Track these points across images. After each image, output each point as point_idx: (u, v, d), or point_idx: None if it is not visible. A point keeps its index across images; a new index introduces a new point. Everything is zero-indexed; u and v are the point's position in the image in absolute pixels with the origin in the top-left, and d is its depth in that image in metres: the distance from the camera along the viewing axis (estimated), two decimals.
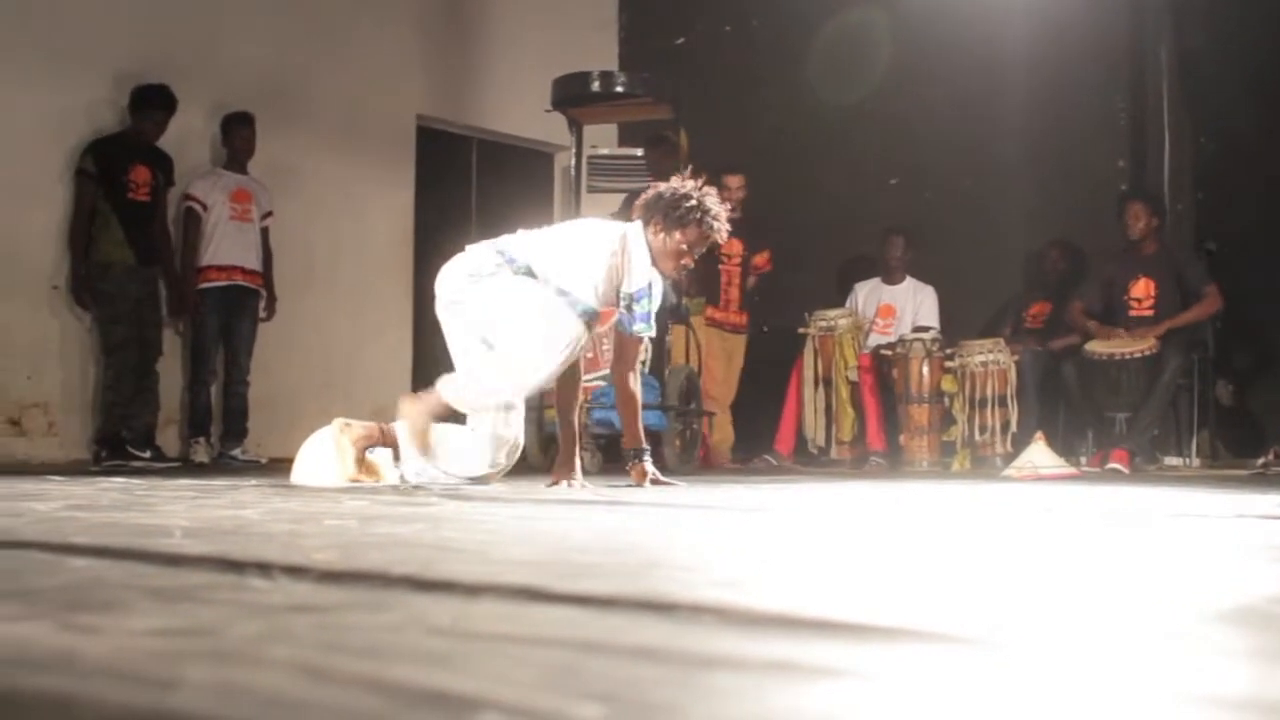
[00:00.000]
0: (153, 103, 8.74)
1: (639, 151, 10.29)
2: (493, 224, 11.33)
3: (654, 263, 5.35)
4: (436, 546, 2.33)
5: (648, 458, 5.60)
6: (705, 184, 5.42)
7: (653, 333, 5.59)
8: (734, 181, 9.67)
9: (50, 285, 8.73)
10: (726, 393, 9.82)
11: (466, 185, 11.40)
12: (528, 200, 11.77)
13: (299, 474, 5.31)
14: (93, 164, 8.64)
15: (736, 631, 1.33)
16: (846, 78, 10.46)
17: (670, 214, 5.30)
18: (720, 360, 9.71)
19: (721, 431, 9.75)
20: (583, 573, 1.88)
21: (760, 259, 9.91)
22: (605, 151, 10.71)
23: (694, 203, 5.29)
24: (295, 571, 1.81)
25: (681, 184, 5.38)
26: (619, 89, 8.73)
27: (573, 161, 9.14)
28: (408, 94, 10.74)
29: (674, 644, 1.25)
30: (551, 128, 9.84)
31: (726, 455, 9.73)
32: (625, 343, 5.54)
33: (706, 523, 3.25)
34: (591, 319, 5.28)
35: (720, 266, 9.72)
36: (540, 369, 5.05)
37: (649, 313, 5.35)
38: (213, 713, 0.93)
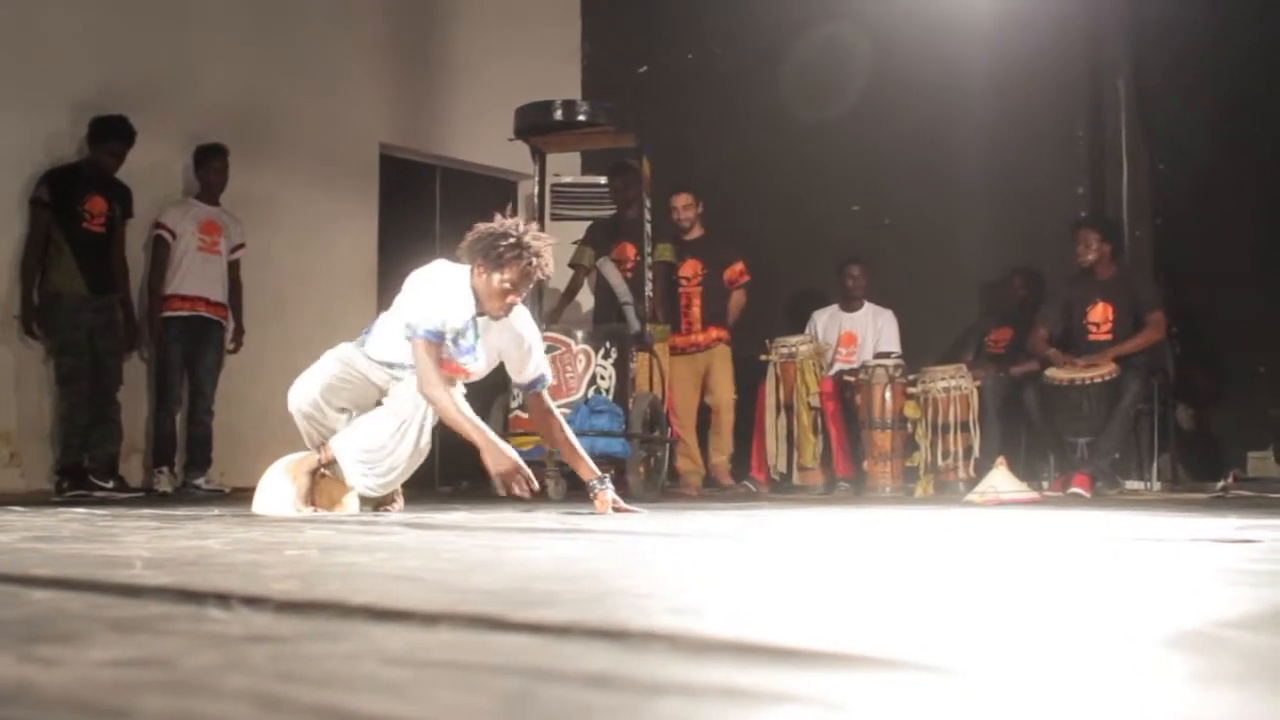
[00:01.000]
0: (111, 134, 8.71)
1: (602, 180, 10.33)
2: (456, 251, 11.39)
3: (480, 304, 5.39)
4: (397, 576, 2.34)
5: (608, 484, 5.61)
6: (528, 222, 5.44)
7: (479, 370, 5.58)
8: (680, 201, 9.75)
9: (9, 314, 8.68)
10: (690, 418, 9.78)
11: (430, 213, 11.40)
12: None
13: (259, 504, 5.36)
14: (47, 193, 8.60)
15: (688, 658, 1.35)
16: (808, 104, 10.52)
17: (489, 254, 5.26)
18: (686, 386, 9.69)
19: (690, 460, 9.72)
20: (540, 601, 1.90)
21: (733, 272, 9.85)
22: (569, 180, 10.75)
23: (512, 240, 5.25)
24: (254, 602, 1.83)
25: (501, 223, 5.34)
26: (581, 117, 8.76)
27: (536, 190, 9.16)
28: (371, 123, 10.75)
29: (625, 671, 1.26)
30: (515, 156, 9.85)
31: (696, 484, 9.67)
32: (528, 400, 5.73)
33: (668, 550, 3.27)
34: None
35: (679, 290, 9.74)
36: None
37: (470, 346, 5.43)
38: None
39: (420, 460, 5.53)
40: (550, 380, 5.72)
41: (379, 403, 5.57)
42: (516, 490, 5.29)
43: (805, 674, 1.28)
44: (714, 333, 9.79)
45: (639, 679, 1.22)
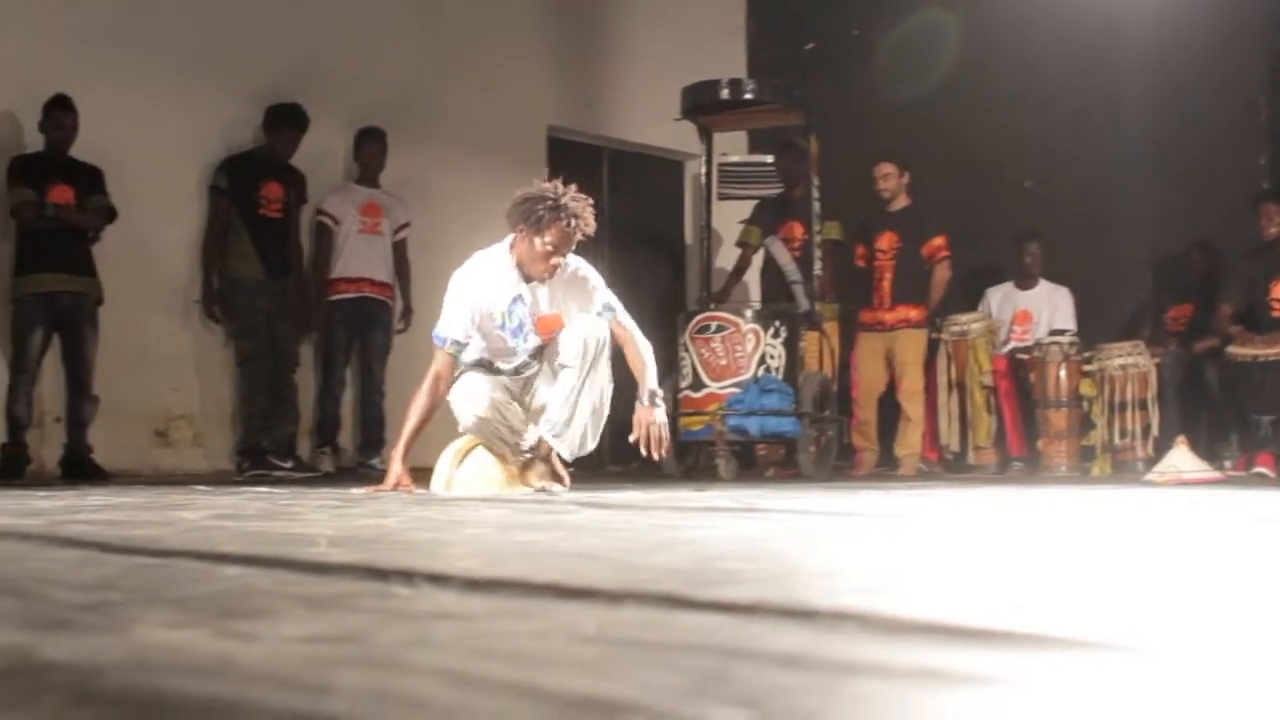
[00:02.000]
0: (286, 121, 8.90)
1: (769, 158, 10.26)
2: (624, 233, 11.42)
3: (524, 268, 5.47)
4: (576, 554, 2.35)
5: (657, 402, 5.55)
6: (566, 183, 5.46)
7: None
8: (881, 170, 9.52)
9: (190, 299, 8.91)
10: (871, 397, 9.59)
11: (598, 195, 11.36)
12: (658, 209, 11.81)
13: (439, 485, 5.46)
14: (225, 180, 8.81)
15: (879, 639, 1.33)
16: (975, 78, 10.36)
17: (529, 218, 5.35)
18: (871, 363, 9.52)
19: (865, 439, 9.56)
20: (723, 580, 1.89)
21: (931, 247, 9.48)
22: (735, 159, 10.70)
23: (550, 203, 5.33)
24: (439, 579, 1.84)
25: (540, 187, 5.42)
26: (748, 96, 8.73)
27: (703, 169, 9.15)
28: (538, 106, 10.81)
29: (817, 651, 1.25)
30: (681, 136, 9.84)
31: (869, 464, 9.51)
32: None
33: (844, 529, 3.24)
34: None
35: (873, 263, 9.57)
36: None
37: (518, 325, 5.54)
38: (368, 718, 0.94)
39: (607, 408, 5.58)
40: (617, 308, 5.71)
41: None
42: (364, 489, 5.43)
43: (999, 655, 1.25)
44: (902, 312, 9.45)
45: (832, 659, 1.20)
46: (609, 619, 1.46)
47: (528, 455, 5.54)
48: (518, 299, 5.53)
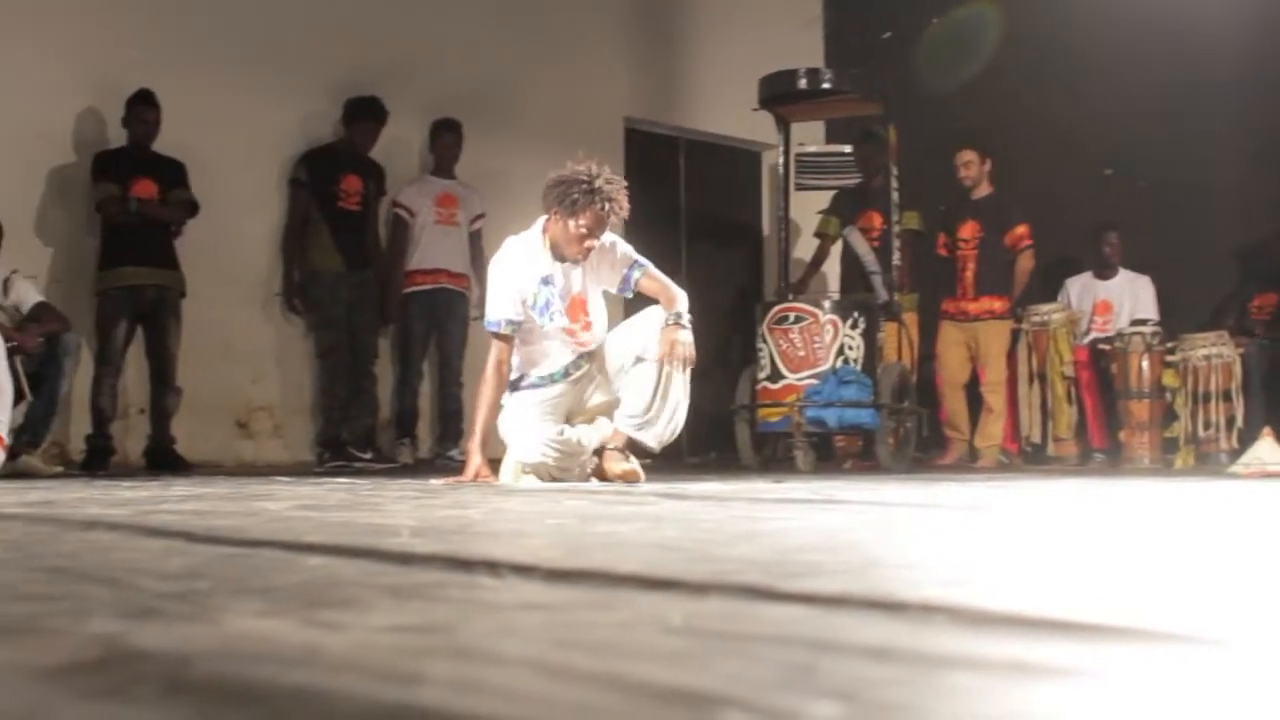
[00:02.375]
0: (365, 114, 8.96)
1: (847, 148, 10.22)
2: (701, 224, 11.42)
3: (558, 249, 5.53)
4: (658, 545, 2.34)
5: (682, 321, 5.54)
6: (595, 164, 5.50)
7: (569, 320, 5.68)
8: (962, 157, 9.45)
9: (271, 292, 9.00)
10: (955, 387, 9.52)
11: (675, 186, 11.43)
12: (736, 200, 11.79)
13: (510, 477, 5.51)
14: (305, 173, 8.89)
15: (968, 631, 1.32)
16: (1054, 63, 10.26)
17: (564, 201, 5.41)
18: (954, 353, 9.47)
19: (954, 430, 9.49)
20: (806, 571, 1.88)
21: (1014, 235, 9.41)
22: (813, 149, 10.66)
23: (584, 186, 5.38)
24: (523, 570, 1.84)
25: (574, 170, 5.46)
26: (826, 85, 8.70)
27: (781, 159, 9.11)
28: (615, 96, 10.82)
29: (906, 643, 1.24)
30: (759, 126, 9.82)
31: (956, 455, 9.44)
32: (644, 286, 5.71)
33: (925, 521, 3.22)
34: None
35: (956, 252, 9.50)
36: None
37: (544, 304, 5.58)
38: (457, 708, 0.94)
39: (687, 399, 5.59)
40: (648, 264, 5.74)
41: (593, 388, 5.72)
42: (444, 480, 5.52)
43: (1087, 647, 1.24)
44: (986, 302, 9.40)
45: (922, 651, 1.19)
46: (694, 610, 1.45)
47: (594, 456, 5.58)
48: (546, 279, 5.58)
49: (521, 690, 1.01)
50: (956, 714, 0.96)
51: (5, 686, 1.01)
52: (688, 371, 5.52)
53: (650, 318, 5.51)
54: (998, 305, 9.36)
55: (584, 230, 5.43)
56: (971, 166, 9.41)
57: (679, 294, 5.68)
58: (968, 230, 9.39)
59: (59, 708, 0.94)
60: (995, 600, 1.56)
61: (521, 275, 5.58)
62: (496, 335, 5.58)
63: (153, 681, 1.03)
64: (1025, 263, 9.44)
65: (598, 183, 5.40)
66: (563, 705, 0.96)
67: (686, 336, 5.48)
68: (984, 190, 9.44)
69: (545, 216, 5.62)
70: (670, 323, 5.49)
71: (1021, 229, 9.39)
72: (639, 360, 5.48)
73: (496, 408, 5.58)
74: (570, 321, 5.62)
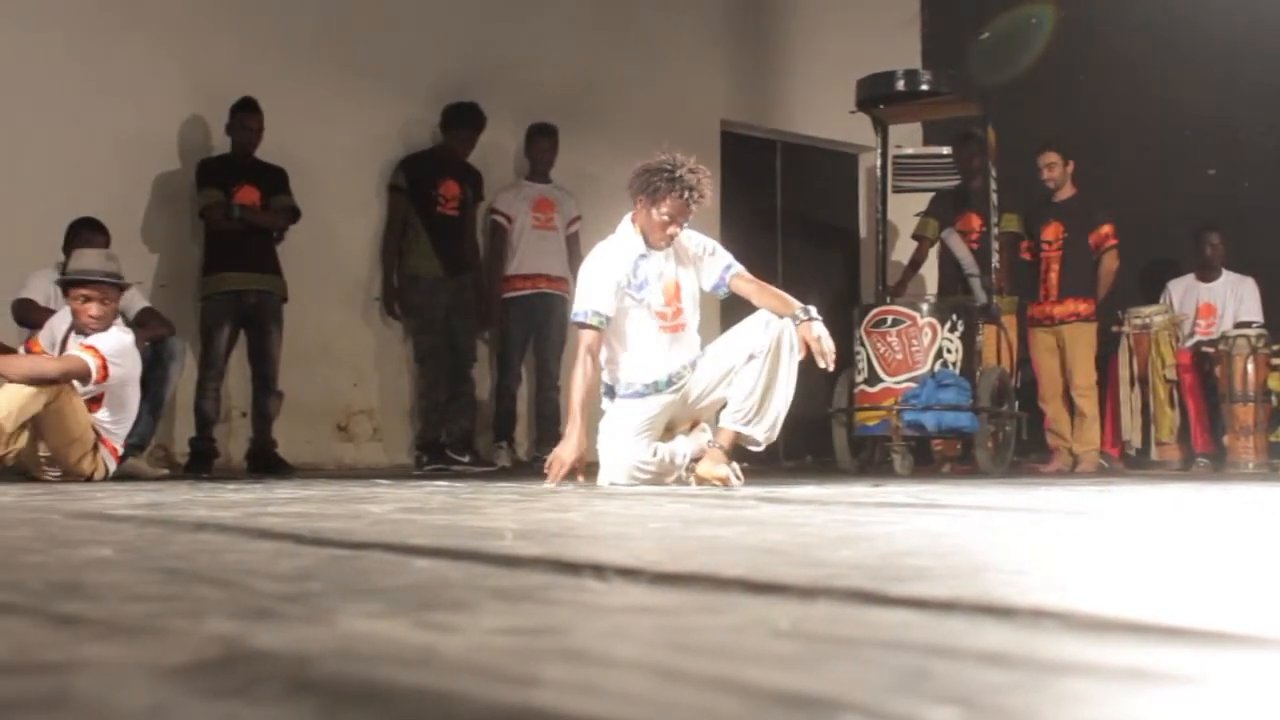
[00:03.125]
0: (463, 120, 9.02)
1: (945, 150, 10.16)
2: (797, 227, 11.39)
3: (645, 236, 5.65)
4: (762, 549, 2.34)
5: (812, 314, 5.53)
6: (681, 154, 5.60)
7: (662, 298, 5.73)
8: (1045, 159, 9.36)
9: (371, 297, 9.09)
10: (1052, 390, 9.40)
11: (771, 188, 11.41)
12: (832, 202, 11.75)
13: (607, 475, 5.54)
14: (404, 179, 8.97)
15: (1082, 637, 1.31)
16: (1156, 62, 10.13)
17: (647, 189, 5.55)
18: (1045, 358, 9.35)
19: (1057, 436, 9.38)
20: (913, 576, 1.87)
21: (1098, 235, 9.31)
22: (910, 151, 10.60)
23: (667, 175, 5.50)
24: (629, 573, 1.85)
25: (659, 160, 5.57)
26: (924, 86, 8.65)
27: (878, 162, 9.07)
28: (711, 99, 10.81)
29: (1020, 649, 1.23)
30: (855, 128, 9.78)
31: (1063, 462, 9.32)
32: (737, 286, 5.77)
33: (1028, 526, 3.19)
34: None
35: (1040, 255, 9.40)
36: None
37: (642, 281, 5.65)
38: (575, 711, 0.95)
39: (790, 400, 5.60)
40: (739, 266, 5.83)
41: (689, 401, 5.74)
42: (550, 473, 5.48)
43: (1204, 653, 1.23)
44: (1071, 305, 9.29)
45: (1037, 657, 1.18)
46: (802, 614, 1.45)
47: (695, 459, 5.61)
48: (643, 257, 5.67)
49: (637, 693, 1.02)
50: None
51: (130, 685, 1.03)
52: (795, 369, 5.53)
53: (762, 317, 5.52)
54: (1083, 308, 9.26)
55: (666, 218, 5.54)
56: (1054, 168, 9.34)
57: (781, 292, 5.74)
58: (1051, 232, 9.33)
59: (184, 706, 0.96)
60: (1106, 605, 1.54)
61: (616, 262, 5.66)
62: (583, 326, 5.61)
63: (274, 681, 1.05)
64: (1110, 263, 9.34)
65: (680, 171, 5.51)
66: (679, 708, 0.96)
67: (820, 330, 5.49)
68: (1067, 192, 9.36)
69: (632, 210, 5.73)
70: (804, 318, 5.50)
71: (1106, 228, 9.30)
72: (750, 358, 5.48)
73: (593, 390, 5.60)
74: (664, 304, 5.68)
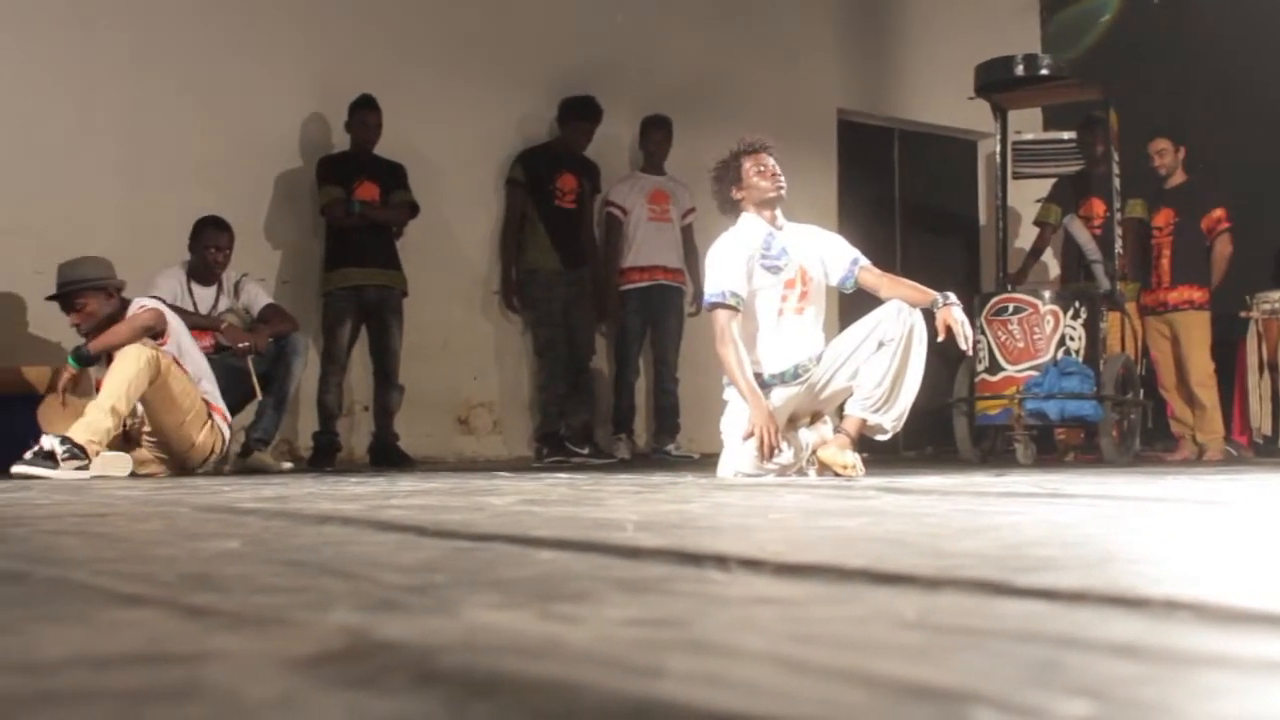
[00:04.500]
0: (580, 113, 9.04)
1: (1066, 135, 10.02)
2: (915, 215, 11.30)
3: (763, 210, 5.74)
4: (885, 540, 2.32)
5: (950, 299, 5.52)
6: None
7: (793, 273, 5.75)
8: (1156, 146, 9.21)
9: (490, 290, 9.16)
10: (1170, 379, 9.24)
11: (889, 176, 11.33)
12: (951, 190, 11.64)
13: (726, 468, 5.53)
14: (522, 173, 9.01)
15: (1217, 628, 1.28)
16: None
17: (726, 178, 5.79)
18: (1161, 345, 9.21)
19: (1180, 424, 9.21)
20: (1039, 566, 1.84)
21: (1210, 220, 9.09)
22: (1030, 137, 10.47)
23: (729, 157, 5.80)
24: (751, 564, 1.84)
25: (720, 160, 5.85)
26: (1044, 71, 8.53)
27: (997, 148, 8.97)
28: (828, 88, 10.76)
29: (1152, 641, 1.21)
30: (973, 115, 9.67)
31: (1189, 450, 9.14)
32: (865, 279, 5.80)
33: (1157, 515, 3.14)
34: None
35: (1151, 241, 9.25)
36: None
37: (780, 252, 5.70)
38: (701, 702, 0.95)
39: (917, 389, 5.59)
40: (864, 259, 5.86)
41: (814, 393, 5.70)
42: (755, 444, 5.41)
43: None
44: (1184, 292, 9.08)
45: (1170, 648, 1.16)
46: (928, 605, 1.43)
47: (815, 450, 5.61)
48: (771, 235, 5.72)
49: (763, 685, 1.01)
50: (1213, 714, 0.94)
51: (261, 675, 1.05)
52: (924, 360, 5.50)
53: (894, 306, 5.50)
54: (1197, 295, 9.05)
55: (756, 174, 5.72)
56: (1165, 155, 9.15)
57: (900, 278, 5.80)
58: (1162, 218, 9.14)
59: (313, 697, 0.97)
60: (1240, 596, 1.51)
61: (746, 239, 5.70)
62: (719, 306, 5.57)
63: (401, 672, 1.05)
64: (1223, 247, 9.12)
65: (728, 157, 5.80)
66: (807, 700, 0.95)
67: (959, 314, 5.48)
68: (1178, 179, 9.17)
69: (739, 205, 5.80)
70: (944, 304, 5.49)
71: (1218, 212, 9.09)
72: (880, 346, 5.46)
73: (745, 363, 5.57)
74: (796, 278, 5.70)
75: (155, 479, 6.06)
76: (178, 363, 6.39)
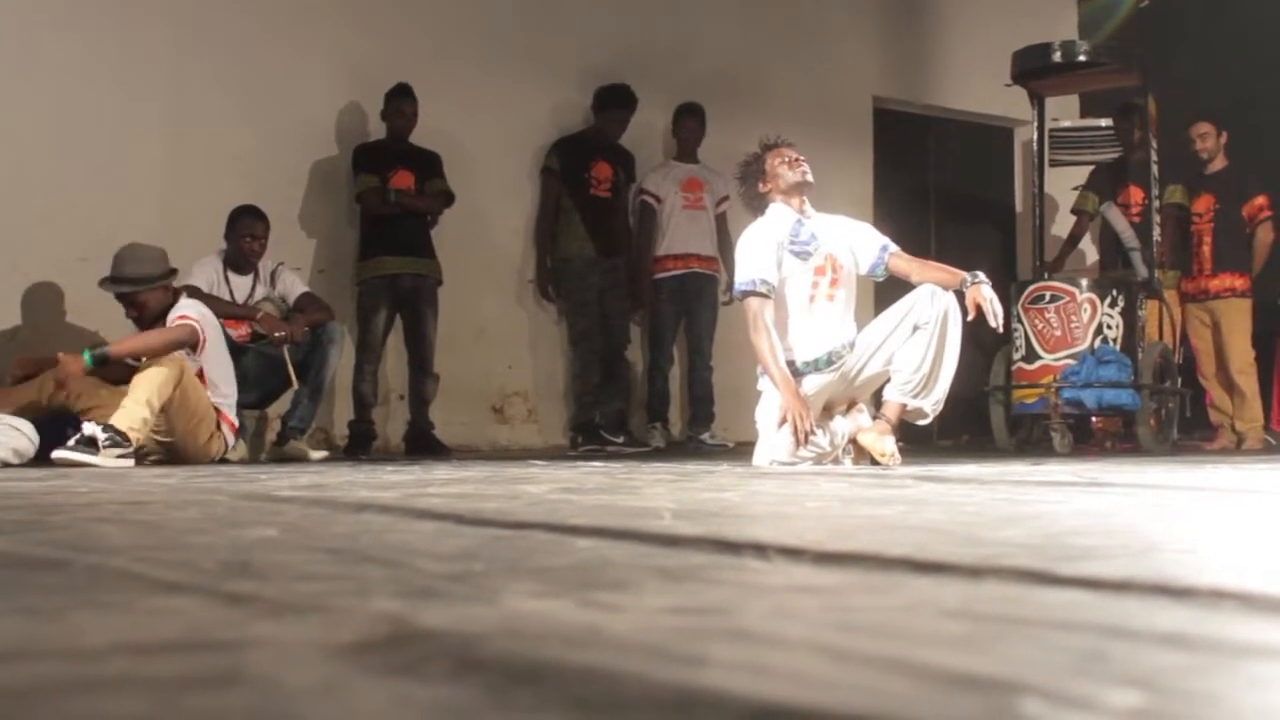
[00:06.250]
0: (614, 102, 9.02)
1: (1103, 122, 9.96)
2: (951, 203, 11.25)
3: (792, 200, 5.78)
4: (924, 528, 2.31)
5: (980, 278, 5.53)
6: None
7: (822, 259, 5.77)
8: (1199, 130, 9.14)
9: (525, 279, 9.16)
10: (1210, 367, 9.18)
11: (924, 164, 11.29)
12: (987, 177, 11.59)
13: (762, 457, 5.52)
14: (556, 162, 9.00)
15: (1265, 618, 1.27)
16: None
17: (752, 174, 5.88)
18: (1201, 334, 9.16)
19: (1219, 412, 9.15)
20: (1082, 555, 1.83)
21: (1252, 207, 9.05)
22: (1067, 124, 10.41)
23: (748, 162, 5.93)
24: (791, 553, 1.83)
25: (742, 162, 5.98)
26: (1082, 57, 8.47)
27: (1034, 136, 8.92)
28: (863, 76, 10.72)
29: (1200, 631, 1.19)
30: (1010, 102, 9.63)
31: (1227, 440, 9.07)
32: (895, 265, 5.81)
33: (1198, 505, 3.11)
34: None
35: (1191, 228, 9.18)
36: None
37: (809, 238, 5.73)
38: (745, 690, 0.94)
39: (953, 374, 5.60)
40: (894, 245, 5.89)
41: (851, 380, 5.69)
42: (789, 430, 5.42)
43: None
44: (1226, 279, 9.05)
45: (1219, 639, 1.15)
46: (970, 594, 1.42)
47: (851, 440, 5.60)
48: (799, 222, 5.74)
49: (808, 674, 1.00)
50: (1264, 705, 0.92)
51: (302, 663, 1.04)
52: (960, 342, 5.49)
53: (927, 289, 5.49)
54: (1238, 283, 9.00)
55: (785, 162, 5.77)
56: (1208, 139, 9.09)
57: (931, 262, 5.84)
58: (1203, 204, 9.08)
59: (355, 684, 0.96)
60: None
61: (774, 227, 5.72)
62: (750, 294, 5.58)
63: (442, 659, 1.05)
64: (1265, 235, 9.07)
65: (754, 158, 5.90)
66: (851, 689, 0.95)
67: (989, 292, 5.48)
68: (1219, 164, 9.10)
69: (767, 197, 5.84)
70: (973, 283, 5.49)
71: (1261, 199, 9.03)
72: (916, 330, 5.44)
73: (778, 351, 5.55)
74: (826, 264, 5.70)
75: (190, 468, 6.09)
76: (200, 374, 6.46)
